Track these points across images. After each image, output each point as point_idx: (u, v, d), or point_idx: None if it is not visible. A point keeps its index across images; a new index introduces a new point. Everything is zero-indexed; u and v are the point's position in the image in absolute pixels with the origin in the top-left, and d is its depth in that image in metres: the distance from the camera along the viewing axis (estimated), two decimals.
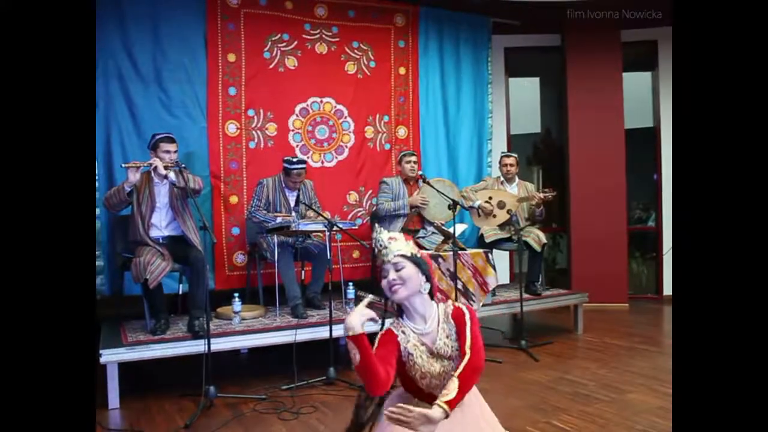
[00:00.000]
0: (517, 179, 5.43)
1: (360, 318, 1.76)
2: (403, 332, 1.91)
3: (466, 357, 1.85)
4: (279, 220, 4.41)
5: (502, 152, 5.57)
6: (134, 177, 3.84)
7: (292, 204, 4.69)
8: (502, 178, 5.43)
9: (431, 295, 1.97)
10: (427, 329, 1.91)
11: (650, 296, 6.79)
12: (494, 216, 5.23)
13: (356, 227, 5.20)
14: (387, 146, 5.72)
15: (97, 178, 4.52)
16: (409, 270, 1.91)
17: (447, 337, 1.92)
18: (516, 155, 5.46)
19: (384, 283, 1.92)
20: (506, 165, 5.38)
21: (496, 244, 5.24)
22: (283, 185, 4.70)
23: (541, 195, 5.11)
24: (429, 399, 1.88)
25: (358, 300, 4.71)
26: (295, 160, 4.65)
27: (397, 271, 1.91)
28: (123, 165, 3.91)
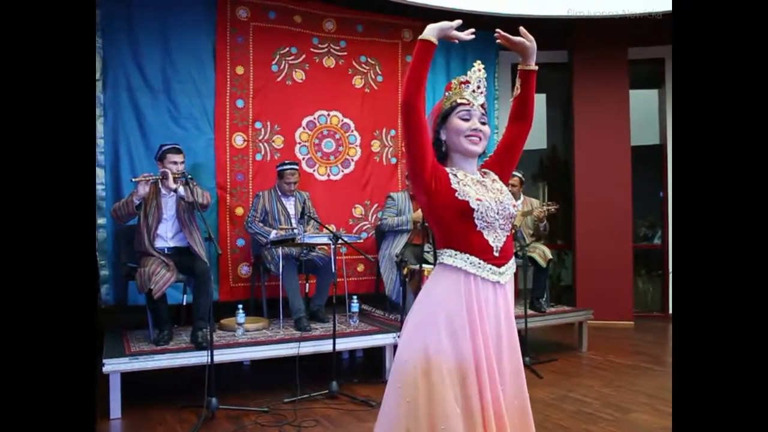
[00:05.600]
0: (522, 196, 5.42)
1: (440, 29, 1.73)
2: (455, 174, 1.80)
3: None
4: (272, 235, 4.41)
5: None
6: (143, 190, 3.86)
7: (291, 212, 4.70)
8: None
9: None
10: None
11: (656, 314, 6.74)
12: None
13: (361, 241, 5.19)
14: (393, 160, 5.73)
15: (104, 187, 4.55)
16: (487, 129, 1.87)
17: (493, 181, 1.87)
18: (519, 174, 5.43)
19: (464, 125, 1.83)
20: (512, 186, 5.35)
21: None
22: (279, 194, 4.71)
23: (543, 209, 5.10)
24: (484, 254, 1.74)
25: (362, 313, 4.70)
26: (287, 161, 4.76)
27: (482, 124, 1.85)
28: (133, 179, 3.93)
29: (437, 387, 1.66)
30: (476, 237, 1.73)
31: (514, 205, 1.82)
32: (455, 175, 1.77)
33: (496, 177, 1.90)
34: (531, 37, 1.87)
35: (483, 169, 1.93)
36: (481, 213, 1.72)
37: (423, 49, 1.71)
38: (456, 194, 1.72)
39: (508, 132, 1.97)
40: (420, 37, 1.72)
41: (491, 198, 1.76)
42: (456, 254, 1.73)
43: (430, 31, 1.72)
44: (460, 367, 1.68)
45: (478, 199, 1.72)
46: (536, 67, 1.89)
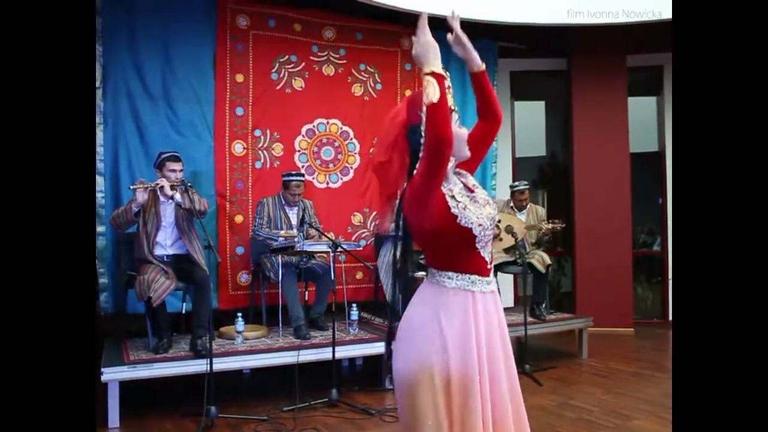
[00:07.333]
0: (528, 204, 5.45)
1: (434, 52, 1.64)
2: (452, 196, 1.73)
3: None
4: (281, 237, 4.42)
5: (515, 186, 5.48)
6: (142, 197, 3.87)
7: (294, 221, 4.69)
8: (512, 204, 5.43)
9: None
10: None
11: (656, 321, 6.73)
12: (500, 239, 5.22)
13: (360, 248, 5.19)
14: None
15: (103, 195, 4.54)
16: None
17: (475, 186, 1.84)
18: (528, 186, 5.46)
19: (463, 132, 1.81)
20: (520, 200, 5.39)
21: (501, 267, 5.22)
22: (283, 202, 4.72)
23: (550, 226, 5.11)
24: (482, 271, 1.74)
25: (361, 321, 4.68)
26: (293, 172, 4.77)
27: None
28: (130, 187, 3.95)
29: (447, 397, 1.67)
30: (476, 257, 1.74)
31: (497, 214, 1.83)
32: (452, 197, 1.72)
33: (476, 181, 1.89)
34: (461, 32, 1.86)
35: (460, 170, 1.87)
36: (481, 237, 1.72)
37: (441, 80, 1.63)
38: (457, 220, 1.69)
39: (478, 129, 1.90)
40: (434, 72, 1.62)
41: (485, 216, 1.74)
42: (458, 276, 1.73)
43: (436, 62, 1.65)
44: (465, 377, 1.68)
45: (479, 225, 1.70)
46: (483, 67, 1.86)
